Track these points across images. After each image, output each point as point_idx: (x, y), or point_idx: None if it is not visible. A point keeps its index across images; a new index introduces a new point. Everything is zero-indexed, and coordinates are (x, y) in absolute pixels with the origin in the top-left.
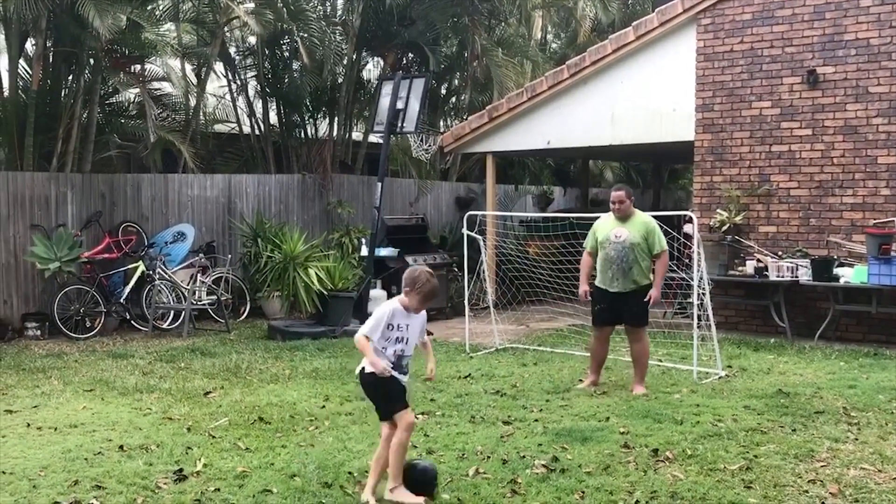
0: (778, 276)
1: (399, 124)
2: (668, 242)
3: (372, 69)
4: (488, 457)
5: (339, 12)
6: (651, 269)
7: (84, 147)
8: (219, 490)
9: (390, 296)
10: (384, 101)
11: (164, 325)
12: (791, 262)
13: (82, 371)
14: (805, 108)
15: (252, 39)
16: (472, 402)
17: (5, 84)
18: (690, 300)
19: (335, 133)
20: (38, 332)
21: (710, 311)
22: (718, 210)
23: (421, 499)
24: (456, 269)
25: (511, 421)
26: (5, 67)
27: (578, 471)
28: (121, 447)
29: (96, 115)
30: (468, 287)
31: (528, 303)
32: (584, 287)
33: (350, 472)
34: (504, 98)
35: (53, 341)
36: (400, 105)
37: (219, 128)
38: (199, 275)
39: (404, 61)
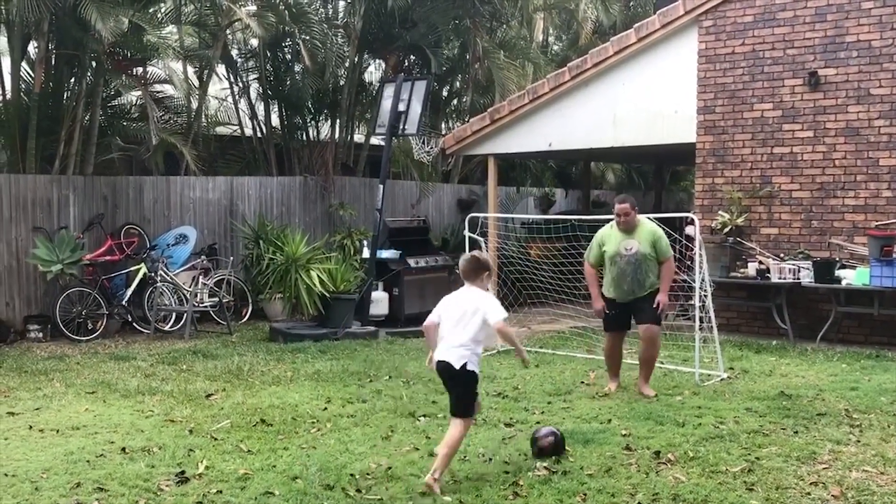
0: (780, 278)
1: (401, 126)
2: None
3: (374, 71)
4: (490, 459)
5: (341, 15)
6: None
7: (86, 149)
8: (221, 492)
9: (392, 298)
10: (386, 104)
11: (166, 328)
12: (793, 264)
13: (84, 373)
14: (806, 110)
15: (254, 42)
16: None
17: (8, 87)
18: (692, 302)
19: (337, 135)
20: (41, 335)
21: (711, 314)
22: (720, 212)
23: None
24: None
25: (513, 423)
26: (8, 70)
27: (580, 473)
28: (123, 449)
29: (98, 117)
30: None
31: (530, 305)
32: (599, 303)
33: (352, 474)
34: (506, 100)
35: (55, 343)
36: (402, 107)
37: (221, 130)
38: (200, 277)
39: (406, 64)
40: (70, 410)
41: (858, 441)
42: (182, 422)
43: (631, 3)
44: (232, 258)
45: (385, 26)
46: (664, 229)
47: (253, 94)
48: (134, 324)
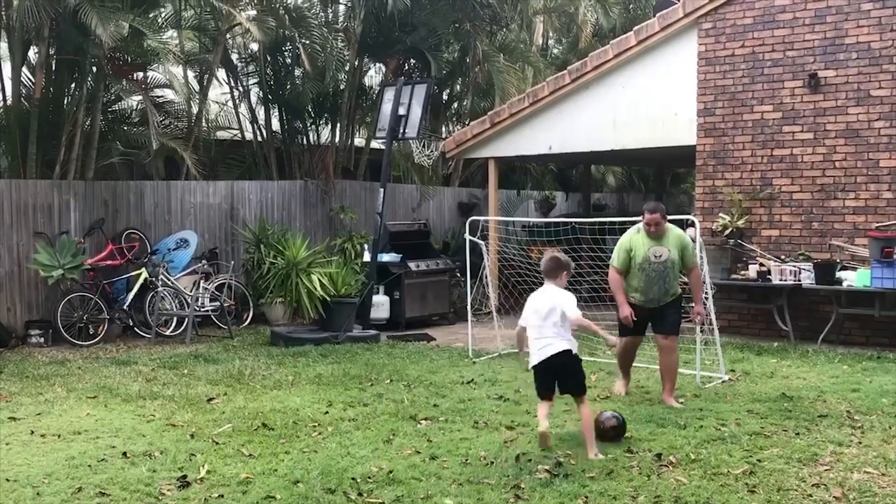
0: (781, 280)
1: (401, 130)
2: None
3: (374, 75)
4: (492, 462)
5: (341, 19)
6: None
7: (87, 154)
8: (222, 496)
9: (393, 301)
10: (386, 107)
11: (168, 332)
12: (794, 266)
13: (86, 378)
14: (807, 112)
15: (254, 46)
16: (475, 408)
17: (8, 92)
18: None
19: (337, 139)
20: (42, 340)
21: (713, 316)
22: (721, 214)
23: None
24: (458, 275)
25: (514, 426)
26: (8, 76)
27: (582, 476)
28: (124, 454)
29: (99, 122)
30: (471, 292)
31: None
32: (627, 310)
33: (353, 478)
34: (506, 103)
35: (57, 348)
36: (402, 111)
37: (221, 134)
38: (202, 281)
39: (406, 67)
40: (71, 415)
41: (860, 443)
42: (183, 426)
43: (630, 6)
44: (233, 262)
45: (385, 30)
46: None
47: (253, 99)
48: (135, 328)
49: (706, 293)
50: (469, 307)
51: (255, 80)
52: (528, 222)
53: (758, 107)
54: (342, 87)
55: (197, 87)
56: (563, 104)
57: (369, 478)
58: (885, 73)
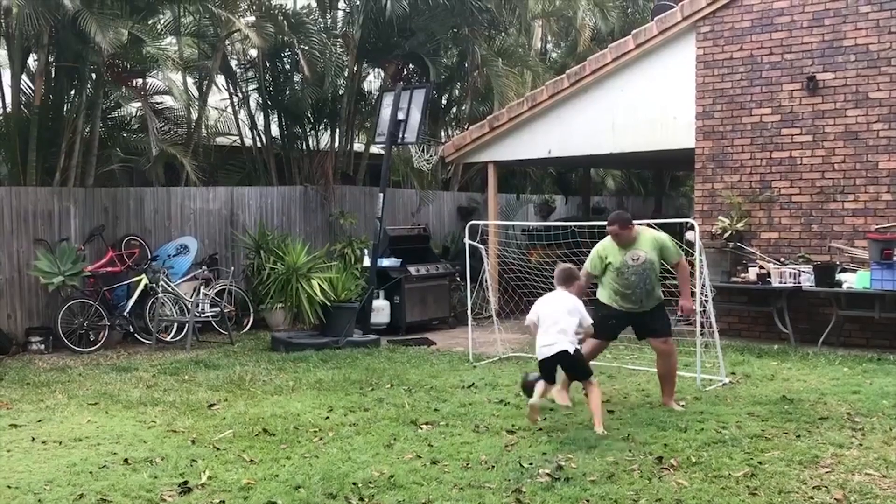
0: (780, 283)
1: (400, 135)
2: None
3: (373, 80)
4: (493, 466)
5: (340, 24)
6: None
7: (87, 161)
8: (224, 502)
9: (393, 306)
10: (385, 113)
11: (168, 338)
12: (793, 268)
13: (86, 385)
14: (805, 115)
15: (253, 52)
16: (475, 412)
17: (8, 99)
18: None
19: (337, 144)
20: (43, 346)
21: (713, 318)
22: (720, 217)
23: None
24: (458, 279)
25: (515, 430)
26: (8, 83)
27: (583, 479)
28: (126, 460)
29: (98, 129)
30: (471, 296)
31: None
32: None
33: (354, 483)
34: (505, 108)
35: (57, 355)
36: (401, 116)
37: (221, 140)
38: (202, 287)
39: (405, 72)
40: (72, 422)
41: (861, 445)
42: (184, 432)
43: (629, 10)
44: (233, 268)
45: (384, 35)
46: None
47: (252, 105)
48: (136, 335)
49: (706, 296)
50: (469, 311)
51: (255, 86)
52: (527, 226)
53: (756, 110)
54: (341, 92)
55: (196, 94)
56: (562, 108)
57: (370, 482)
58: (884, 75)
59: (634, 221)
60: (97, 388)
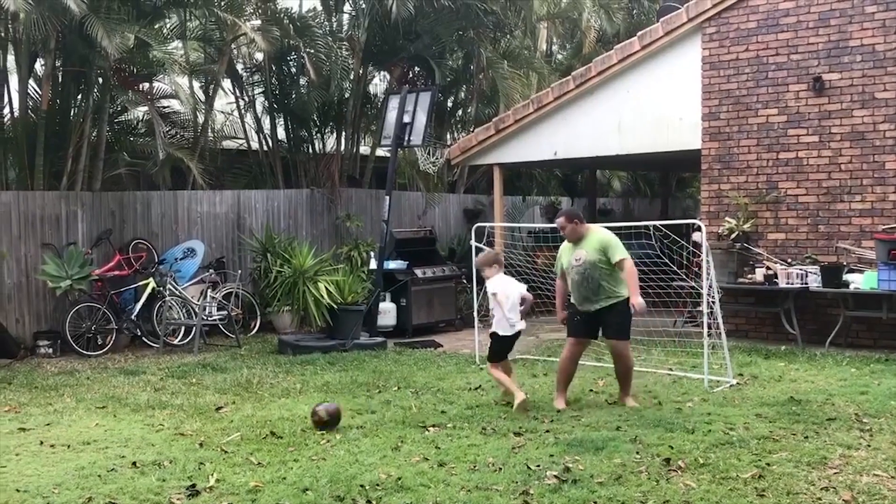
0: (788, 283)
1: (406, 138)
2: (675, 250)
3: (378, 83)
4: (500, 468)
5: (345, 28)
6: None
7: (94, 165)
8: None
9: (399, 308)
10: (391, 115)
11: (175, 341)
12: (800, 269)
13: (94, 388)
14: (812, 115)
15: (259, 56)
16: (482, 414)
17: (16, 104)
18: (700, 309)
19: (343, 147)
20: (51, 350)
21: (720, 320)
22: (727, 218)
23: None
24: (465, 281)
25: (522, 432)
26: (15, 88)
27: (590, 481)
28: (134, 463)
29: (105, 133)
30: (477, 299)
31: (538, 313)
32: (561, 314)
33: (362, 486)
34: (510, 110)
35: (65, 359)
36: (407, 119)
37: (227, 144)
38: (209, 290)
39: (410, 75)
40: (81, 425)
41: (869, 445)
42: (192, 435)
43: (634, 12)
44: (240, 271)
45: (389, 38)
46: (670, 236)
47: (259, 108)
48: (143, 338)
49: (713, 297)
50: (475, 313)
51: (261, 90)
52: (533, 228)
53: (762, 110)
54: (347, 95)
55: (202, 98)
56: (567, 110)
57: (378, 485)
58: (890, 75)
59: (639, 223)
60: (105, 392)
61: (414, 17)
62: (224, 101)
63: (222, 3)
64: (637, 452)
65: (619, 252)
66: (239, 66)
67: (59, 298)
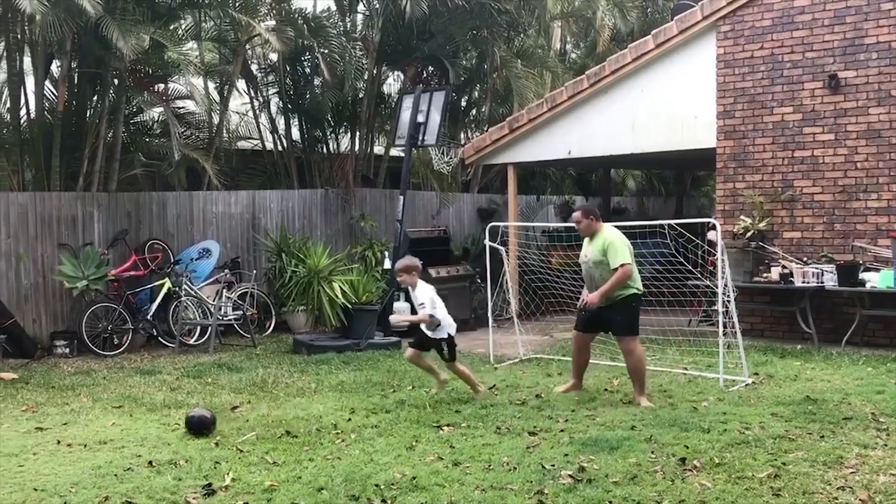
0: (803, 282)
1: (420, 137)
2: (690, 249)
3: (392, 83)
4: (514, 468)
5: (359, 28)
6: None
7: (110, 166)
8: None
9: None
10: (405, 115)
11: (191, 341)
12: (816, 268)
13: (111, 388)
14: (827, 113)
15: (273, 56)
16: (497, 413)
17: (32, 106)
18: (715, 308)
19: (357, 147)
20: (67, 350)
21: (735, 319)
22: (742, 216)
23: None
24: (479, 281)
25: (537, 431)
26: (32, 89)
27: (605, 481)
28: (150, 463)
29: (121, 134)
30: (491, 298)
31: (552, 313)
32: (583, 299)
33: (377, 485)
34: (524, 109)
35: (82, 359)
36: (421, 118)
37: (242, 144)
38: (224, 290)
39: (424, 75)
40: (97, 425)
41: (885, 445)
42: (208, 434)
43: (648, 10)
44: (255, 271)
45: (403, 38)
46: (685, 234)
47: (273, 108)
48: (159, 338)
49: (728, 296)
50: (490, 313)
51: (275, 90)
52: (548, 227)
53: (778, 108)
54: (361, 95)
55: (217, 98)
56: (581, 109)
57: (393, 484)
58: None
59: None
60: (121, 392)
61: (428, 16)
62: (239, 101)
63: (237, 4)
64: (652, 452)
65: (619, 258)
66: (253, 67)
67: (75, 299)
